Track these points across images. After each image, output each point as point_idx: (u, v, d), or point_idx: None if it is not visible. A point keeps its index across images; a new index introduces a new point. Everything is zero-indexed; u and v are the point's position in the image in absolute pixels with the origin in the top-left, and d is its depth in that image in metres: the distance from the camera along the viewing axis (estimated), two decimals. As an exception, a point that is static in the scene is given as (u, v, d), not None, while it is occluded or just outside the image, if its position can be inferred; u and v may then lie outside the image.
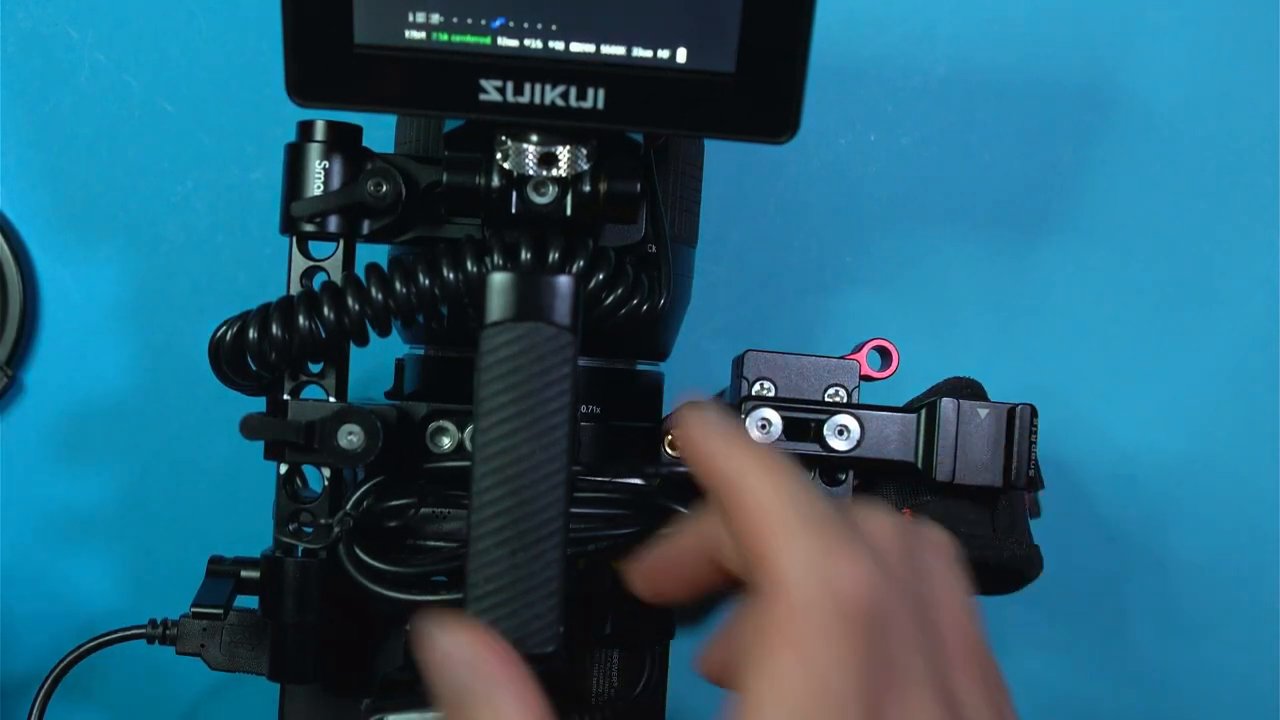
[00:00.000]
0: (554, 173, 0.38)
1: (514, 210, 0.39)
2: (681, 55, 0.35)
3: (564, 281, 0.32)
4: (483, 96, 0.35)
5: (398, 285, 0.40)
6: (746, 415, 0.44)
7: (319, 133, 0.42)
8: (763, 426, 0.44)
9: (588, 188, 0.39)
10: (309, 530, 0.43)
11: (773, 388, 0.45)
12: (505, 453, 0.32)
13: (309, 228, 0.42)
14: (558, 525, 0.32)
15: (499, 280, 0.32)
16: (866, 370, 0.46)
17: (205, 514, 0.61)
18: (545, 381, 0.32)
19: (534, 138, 0.38)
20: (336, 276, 0.42)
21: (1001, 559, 0.44)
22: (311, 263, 0.43)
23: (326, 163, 0.42)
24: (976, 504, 0.45)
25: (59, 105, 0.60)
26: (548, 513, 0.32)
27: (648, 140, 0.41)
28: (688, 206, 0.47)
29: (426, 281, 0.40)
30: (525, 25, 0.35)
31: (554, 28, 0.35)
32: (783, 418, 0.44)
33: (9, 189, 0.60)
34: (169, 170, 0.60)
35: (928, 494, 0.45)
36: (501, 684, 0.29)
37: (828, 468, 0.45)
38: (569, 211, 0.39)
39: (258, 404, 0.43)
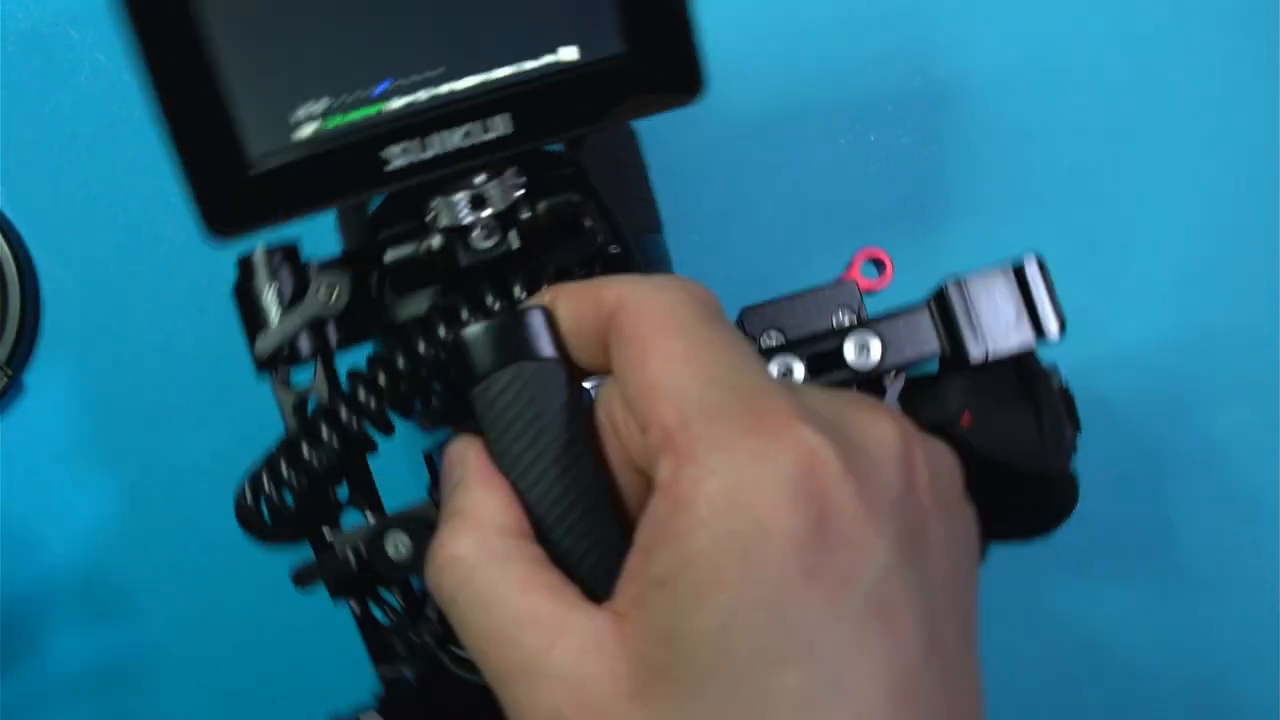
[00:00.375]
0: (490, 211, 0.37)
1: (462, 264, 0.38)
2: (571, 53, 0.34)
3: (533, 314, 0.32)
4: (389, 167, 0.34)
5: (383, 381, 0.38)
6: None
7: (259, 267, 0.41)
8: (785, 374, 0.42)
9: (527, 213, 0.38)
10: (406, 657, 0.41)
11: (780, 335, 0.44)
12: (539, 501, 0.31)
13: (282, 359, 0.41)
14: (606, 545, 0.31)
15: (470, 336, 0.32)
16: (865, 285, 0.44)
17: (207, 514, 0.60)
18: (550, 418, 0.31)
19: (459, 185, 0.37)
20: (325, 396, 0.41)
21: (1048, 468, 0.42)
22: (298, 392, 0.41)
23: (276, 291, 0.40)
24: (1024, 407, 0.43)
25: (59, 105, 0.60)
26: (594, 537, 0.32)
27: (568, 145, 0.40)
28: (639, 195, 0.45)
29: (409, 366, 0.38)
30: (411, 79, 0.34)
31: (440, 70, 0.34)
32: (802, 358, 0.43)
33: (9, 189, 0.60)
34: (169, 170, 0.60)
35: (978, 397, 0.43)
36: (472, 467, 0.32)
37: (865, 385, 0.43)
38: (517, 244, 0.38)
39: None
